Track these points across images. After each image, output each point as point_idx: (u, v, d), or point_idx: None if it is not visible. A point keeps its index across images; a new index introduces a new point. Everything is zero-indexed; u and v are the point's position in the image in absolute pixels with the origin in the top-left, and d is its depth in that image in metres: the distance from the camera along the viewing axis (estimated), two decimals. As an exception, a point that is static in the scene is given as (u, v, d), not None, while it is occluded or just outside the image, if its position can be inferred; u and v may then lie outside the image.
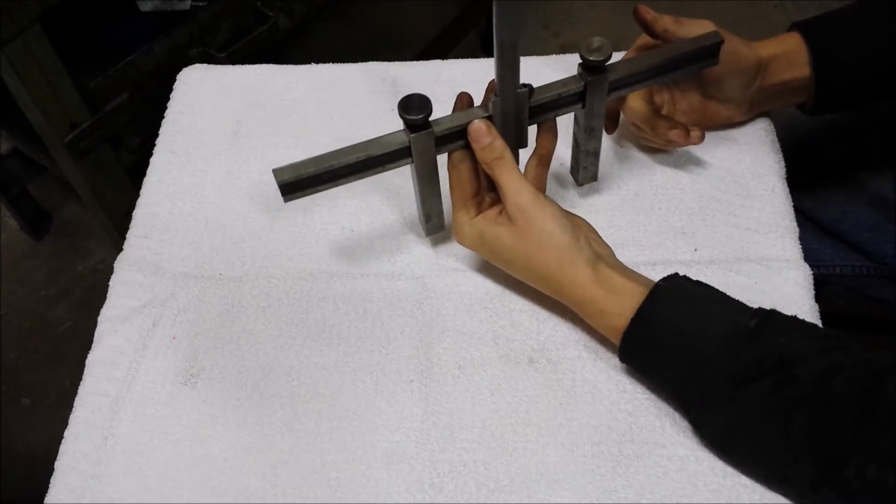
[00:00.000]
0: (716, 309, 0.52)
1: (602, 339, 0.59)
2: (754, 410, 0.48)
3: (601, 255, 0.56)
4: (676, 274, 0.54)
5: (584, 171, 0.65)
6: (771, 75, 0.63)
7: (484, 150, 0.57)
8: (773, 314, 0.51)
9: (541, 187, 0.60)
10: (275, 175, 0.56)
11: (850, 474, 0.45)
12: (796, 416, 0.47)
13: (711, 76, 0.63)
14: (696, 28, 0.61)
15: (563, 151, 0.70)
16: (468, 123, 0.57)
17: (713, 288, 0.53)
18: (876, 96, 0.65)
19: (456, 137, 0.58)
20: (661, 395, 0.56)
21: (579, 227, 0.57)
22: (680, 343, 0.51)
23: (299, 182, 0.56)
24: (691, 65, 0.61)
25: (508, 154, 0.57)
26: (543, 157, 0.60)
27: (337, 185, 0.57)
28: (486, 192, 0.60)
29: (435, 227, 0.64)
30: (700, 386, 0.50)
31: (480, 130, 0.56)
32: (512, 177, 0.56)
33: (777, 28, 0.64)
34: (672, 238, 0.64)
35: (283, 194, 0.57)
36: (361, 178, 0.58)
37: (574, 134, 0.63)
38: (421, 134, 0.56)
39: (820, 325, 0.56)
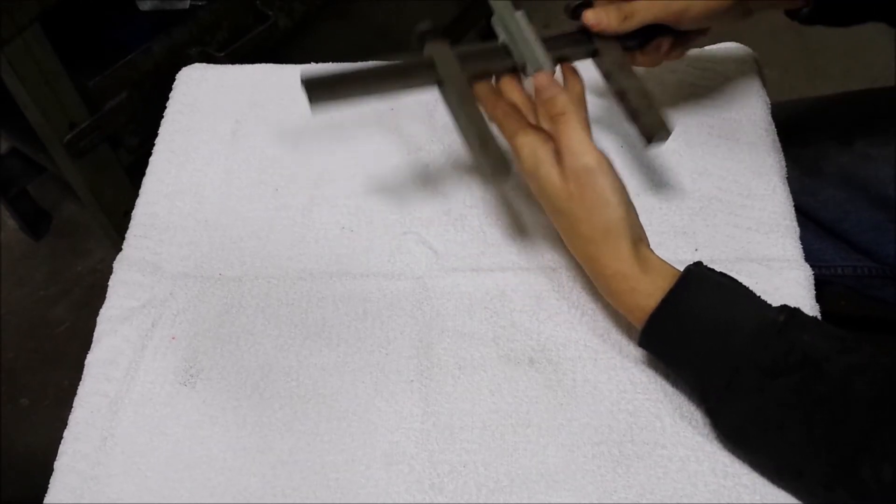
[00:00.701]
0: (743, 300, 0.52)
1: (603, 340, 0.59)
2: (779, 403, 0.48)
3: (643, 237, 0.56)
4: (701, 262, 0.54)
5: (647, 116, 0.58)
6: None
7: (547, 104, 0.55)
8: (798, 312, 0.51)
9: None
10: (301, 76, 0.53)
11: (866, 474, 0.45)
12: (819, 413, 0.47)
13: (678, 13, 0.59)
14: (650, 11, 0.58)
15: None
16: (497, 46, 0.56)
17: (737, 280, 0.53)
18: (873, 13, 0.61)
19: (480, 57, 0.57)
20: (677, 380, 0.56)
21: (632, 205, 0.56)
22: (708, 329, 0.51)
23: (325, 80, 0.54)
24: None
25: (572, 108, 0.55)
26: (580, 98, 0.58)
27: (365, 95, 0.56)
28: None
29: (496, 155, 0.55)
30: (725, 374, 0.50)
31: (545, 81, 0.54)
32: (575, 134, 0.54)
33: (779, 28, 0.64)
34: (672, 238, 0.64)
35: (309, 99, 0.54)
36: (390, 89, 0.56)
37: (610, 88, 0.61)
38: (435, 43, 0.56)
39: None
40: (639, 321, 0.53)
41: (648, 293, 0.52)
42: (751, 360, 0.49)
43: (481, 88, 0.58)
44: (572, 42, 0.60)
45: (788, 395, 0.48)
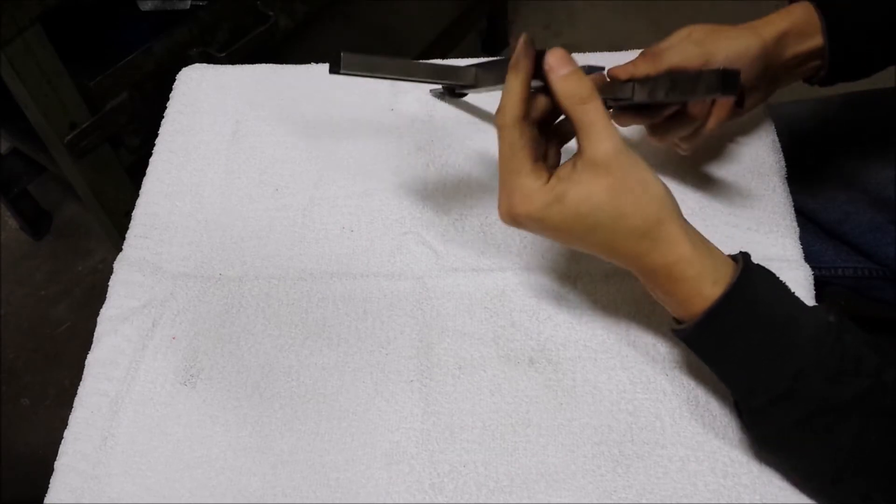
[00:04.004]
0: (795, 298, 0.49)
1: (603, 340, 0.59)
2: (835, 409, 0.46)
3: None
4: (746, 252, 0.50)
5: (705, 74, 0.55)
6: (781, 52, 0.59)
7: (569, 79, 0.48)
8: (840, 311, 0.48)
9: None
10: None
11: None
12: (876, 425, 0.46)
13: (702, 56, 0.58)
14: (675, 55, 0.58)
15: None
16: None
17: (775, 274, 0.50)
18: (890, 60, 0.62)
19: None
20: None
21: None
22: (772, 326, 0.47)
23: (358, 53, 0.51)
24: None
25: (596, 92, 0.49)
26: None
27: (393, 71, 0.53)
28: (549, 147, 0.53)
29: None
30: (787, 375, 0.47)
31: (563, 57, 0.48)
32: (604, 118, 0.48)
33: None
34: (672, 238, 0.64)
35: (342, 63, 0.50)
36: (419, 76, 0.54)
37: (658, 92, 0.57)
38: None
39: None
40: (692, 311, 0.49)
41: (713, 280, 0.48)
42: (815, 365, 0.46)
43: (514, 98, 0.50)
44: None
45: (849, 401, 0.46)
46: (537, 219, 0.50)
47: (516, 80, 0.50)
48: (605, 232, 0.49)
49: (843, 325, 0.48)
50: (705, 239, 0.50)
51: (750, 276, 0.48)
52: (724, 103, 0.59)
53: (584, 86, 0.48)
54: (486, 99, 0.75)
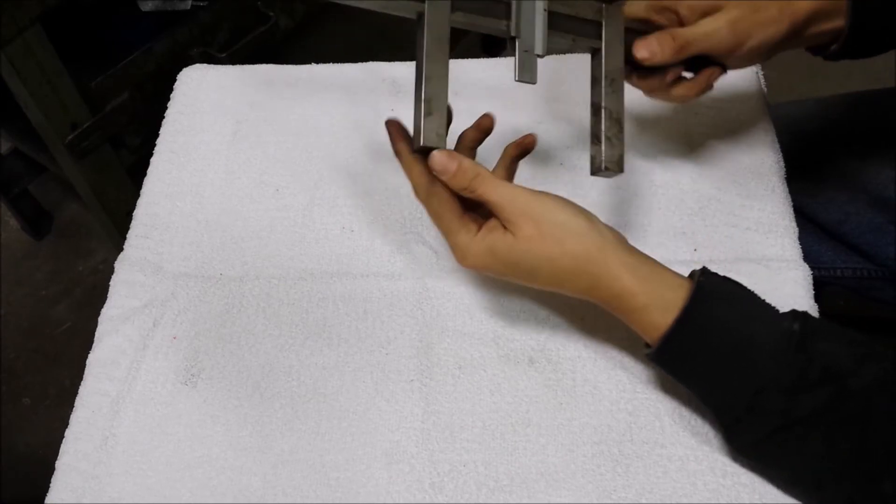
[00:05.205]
0: (756, 312, 0.49)
1: (603, 339, 0.59)
2: (801, 420, 0.47)
3: (620, 236, 0.52)
4: (706, 269, 0.51)
5: (609, 146, 0.55)
6: (802, 32, 0.57)
7: (456, 178, 0.51)
8: (808, 316, 0.49)
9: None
10: None
11: (887, 488, 0.45)
12: (843, 430, 0.46)
13: (734, 46, 0.57)
14: (705, 44, 0.55)
15: (560, 151, 0.71)
16: None
17: (741, 284, 0.51)
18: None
19: (474, 10, 0.52)
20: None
21: (585, 210, 0.52)
22: (727, 348, 0.48)
23: None
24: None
25: (481, 168, 0.51)
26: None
27: None
28: (475, 206, 0.54)
29: (434, 131, 0.50)
30: (746, 395, 0.48)
31: (441, 161, 0.50)
32: (496, 187, 0.51)
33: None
34: (672, 238, 0.64)
35: None
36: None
37: (591, 96, 0.57)
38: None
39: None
40: (653, 338, 0.50)
41: (662, 308, 0.49)
42: (773, 381, 0.47)
43: (415, 173, 0.53)
44: (579, 29, 0.55)
45: (812, 412, 0.46)
46: (482, 268, 0.53)
47: (405, 166, 0.54)
48: (544, 275, 0.51)
49: (812, 332, 0.48)
50: (654, 265, 0.51)
51: (702, 299, 0.49)
52: (692, 85, 0.59)
53: (469, 173, 0.51)
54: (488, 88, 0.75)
